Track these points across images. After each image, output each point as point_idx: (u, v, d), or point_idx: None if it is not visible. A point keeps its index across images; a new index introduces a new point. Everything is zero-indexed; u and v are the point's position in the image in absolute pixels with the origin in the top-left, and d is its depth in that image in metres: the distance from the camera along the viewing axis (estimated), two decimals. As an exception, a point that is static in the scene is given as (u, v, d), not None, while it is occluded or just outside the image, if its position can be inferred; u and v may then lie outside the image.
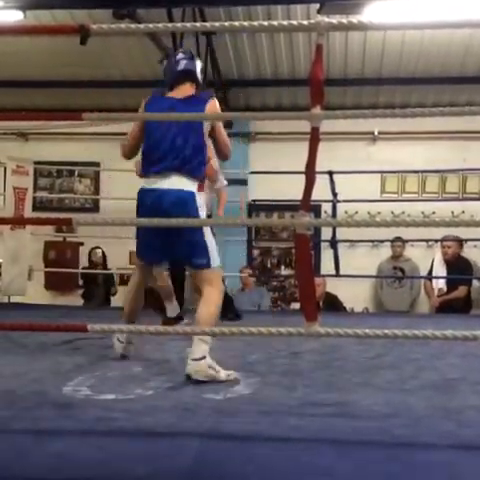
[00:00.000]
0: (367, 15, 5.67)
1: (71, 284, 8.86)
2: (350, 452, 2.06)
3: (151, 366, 3.43)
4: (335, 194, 7.12)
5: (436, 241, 7.51)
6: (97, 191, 9.15)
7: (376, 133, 8.39)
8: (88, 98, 8.29)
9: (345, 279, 7.36)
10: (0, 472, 1.84)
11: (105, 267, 8.44)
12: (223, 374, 3.03)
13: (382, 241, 7.83)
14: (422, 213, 7.84)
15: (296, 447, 2.11)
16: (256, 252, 8.87)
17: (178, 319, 4.92)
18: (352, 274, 7.26)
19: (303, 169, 2.27)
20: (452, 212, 7.85)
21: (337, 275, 7.12)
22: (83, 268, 8.61)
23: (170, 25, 3.93)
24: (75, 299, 8.53)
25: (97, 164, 8.97)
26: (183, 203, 3.21)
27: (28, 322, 3.33)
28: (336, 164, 7.05)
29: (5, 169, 6.85)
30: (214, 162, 4.65)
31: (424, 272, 7.72)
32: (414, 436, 2.22)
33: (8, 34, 4.03)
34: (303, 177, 2.27)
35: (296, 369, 3.47)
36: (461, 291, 7.28)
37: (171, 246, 3.29)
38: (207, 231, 3.28)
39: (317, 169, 2.28)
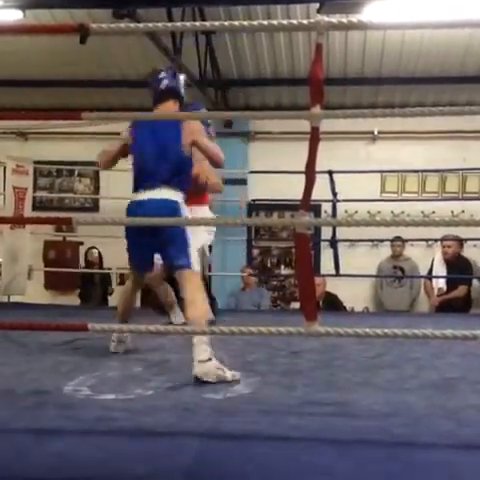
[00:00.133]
0: (367, 14, 5.67)
1: (71, 284, 8.82)
2: (350, 451, 2.06)
3: (151, 366, 3.43)
4: (335, 194, 7.11)
5: (436, 240, 7.51)
6: (97, 191, 9.13)
7: (376, 133, 8.37)
8: (88, 97, 8.29)
9: (345, 278, 7.36)
10: (0, 472, 1.84)
11: (101, 267, 8.43)
12: (229, 374, 3.06)
13: (382, 240, 7.81)
14: (422, 213, 7.83)
15: (296, 446, 2.11)
16: (256, 252, 8.85)
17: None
18: (352, 274, 7.26)
19: (303, 169, 2.27)
20: (452, 212, 7.83)
21: (337, 275, 7.12)
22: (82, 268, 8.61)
23: (170, 24, 3.94)
24: (75, 299, 8.52)
25: (97, 164, 8.93)
26: (167, 210, 3.37)
27: (28, 321, 3.34)
28: (336, 164, 7.05)
29: (5, 169, 6.84)
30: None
31: (424, 272, 7.72)
32: (414, 435, 2.23)
33: (7, 33, 4.01)
34: (303, 177, 2.27)
35: (296, 368, 3.47)
36: (461, 291, 7.28)
37: (157, 248, 3.53)
38: (190, 236, 3.45)
39: (317, 169, 2.28)
